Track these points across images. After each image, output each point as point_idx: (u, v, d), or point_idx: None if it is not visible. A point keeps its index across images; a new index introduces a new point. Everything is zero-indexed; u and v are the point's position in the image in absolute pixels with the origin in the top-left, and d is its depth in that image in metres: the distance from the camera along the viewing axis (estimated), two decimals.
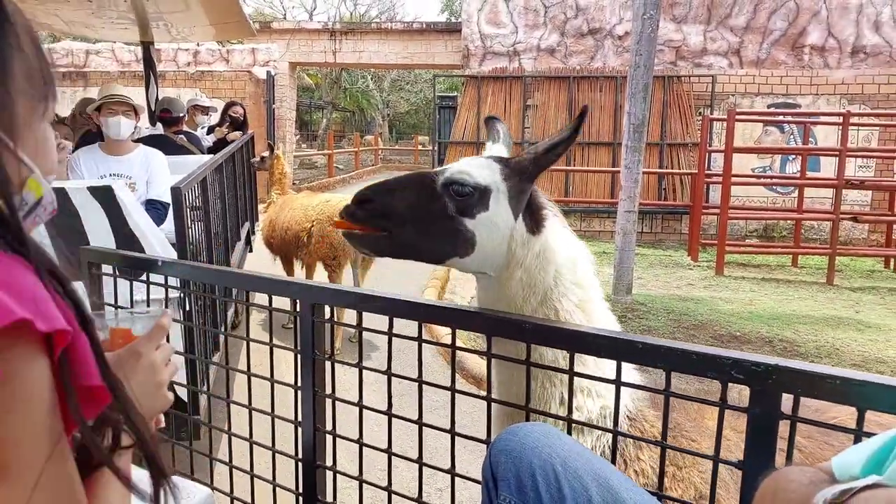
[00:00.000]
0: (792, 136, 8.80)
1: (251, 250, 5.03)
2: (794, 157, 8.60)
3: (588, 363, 1.04)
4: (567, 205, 8.93)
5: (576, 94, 9.54)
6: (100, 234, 2.22)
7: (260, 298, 1.30)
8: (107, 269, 1.56)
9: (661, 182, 8.99)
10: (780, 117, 8.59)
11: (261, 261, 5.11)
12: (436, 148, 11.23)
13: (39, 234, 0.62)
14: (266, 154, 5.04)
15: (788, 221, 8.38)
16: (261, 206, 5.51)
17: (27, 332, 0.50)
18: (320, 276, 4.29)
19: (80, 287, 1.44)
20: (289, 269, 4.62)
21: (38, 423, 0.51)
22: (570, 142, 1.05)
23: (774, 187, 8.86)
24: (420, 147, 22.85)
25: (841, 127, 6.63)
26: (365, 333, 1.16)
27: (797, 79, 8.92)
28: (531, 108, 9.76)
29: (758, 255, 7.57)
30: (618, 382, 0.89)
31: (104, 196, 2.25)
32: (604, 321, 1.10)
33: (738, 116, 6.89)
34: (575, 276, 1.09)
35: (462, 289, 5.61)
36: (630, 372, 1.05)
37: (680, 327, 4.63)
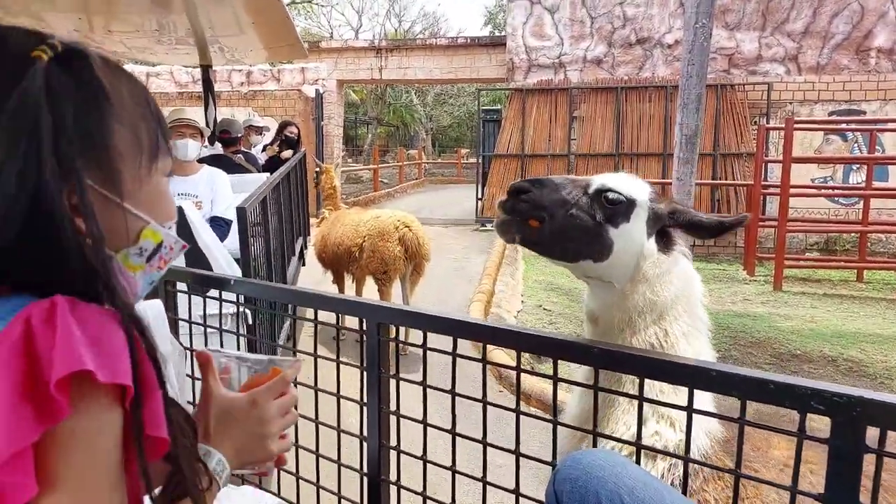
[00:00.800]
0: (856, 145, 8.37)
1: (304, 264, 5.19)
2: (858, 166, 8.17)
3: (681, 394, 1.04)
4: None
5: (623, 104, 9.41)
6: None
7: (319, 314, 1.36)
8: (181, 286, 1.66)
9: (715, 194, 8.72)
10: (844, 125, 8.18)
11: (312, 275, 5.27)
12: (480, 161, 11.29)
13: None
14: (317, 170, 5.25)
15: (852, 234, 7.95)
16: (312, 220, 5.69)
17: (97, 381, 0.52)
18: (368, 289, 4.38)
19: (158, 304, 1.54)
20: (339, 283, 4.73)
21: (99, 470, 0.53)
22: (712, 231, 1.16)
23: (837, 198, 8.43)
24: (463, 160, 22.99)
25: None
26: (413, 349, 1.19)
27: (862, 84, 8.50)
28: (577, 119, 9.69)
29: (819, 269, 7.21)
30: (689, 409, 0.88)
31: None
32: (704, 356, 1.12)
33: (796, 125, 6.62)
34: (688, 305, 1.14)
35: (507, 303, 5.59)
36: (706, 403, 1.03)
37: (737, 345, 4.46)
